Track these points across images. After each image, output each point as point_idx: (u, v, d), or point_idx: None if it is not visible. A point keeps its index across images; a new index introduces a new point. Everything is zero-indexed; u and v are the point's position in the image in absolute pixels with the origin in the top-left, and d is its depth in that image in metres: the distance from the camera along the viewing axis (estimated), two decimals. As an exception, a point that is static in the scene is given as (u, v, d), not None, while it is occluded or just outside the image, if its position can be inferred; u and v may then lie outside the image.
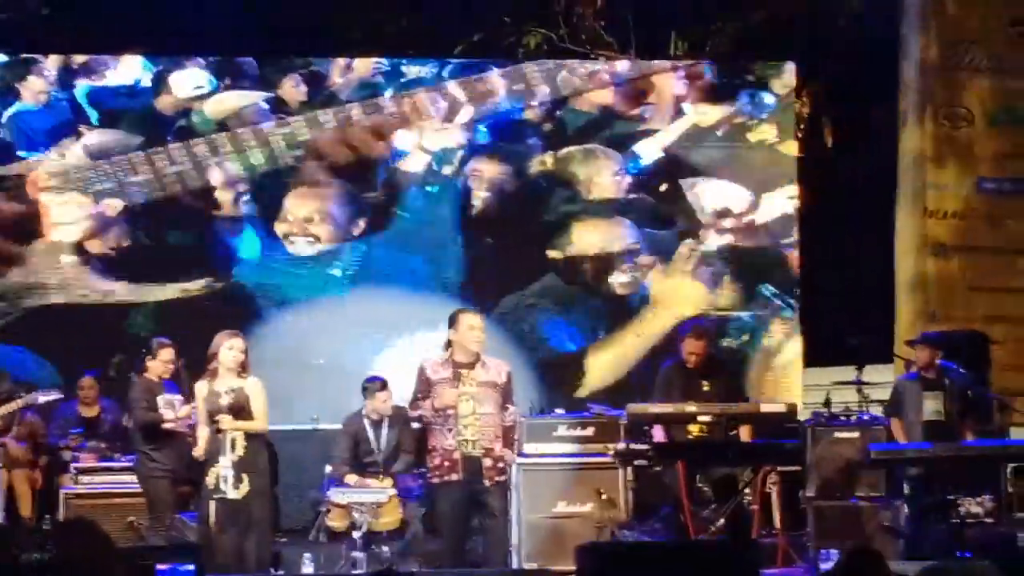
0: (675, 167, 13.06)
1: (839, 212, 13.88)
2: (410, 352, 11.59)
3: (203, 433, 9.68)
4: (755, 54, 13.46)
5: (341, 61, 12.95)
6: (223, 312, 12.17)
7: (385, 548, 10.24)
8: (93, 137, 12.56)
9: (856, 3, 13.82)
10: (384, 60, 12.97)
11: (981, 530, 9.83)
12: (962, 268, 12.93)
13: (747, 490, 10.05)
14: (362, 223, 12.74)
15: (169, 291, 12.49)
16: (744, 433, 10.43)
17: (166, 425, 10.14)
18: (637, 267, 12.94)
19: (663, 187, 13.04)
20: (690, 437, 10.35)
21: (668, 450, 10.14)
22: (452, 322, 9.85)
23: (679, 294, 12.90)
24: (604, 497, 10.54)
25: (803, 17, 13.81)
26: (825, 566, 9.38)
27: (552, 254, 12.91)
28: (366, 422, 10.85)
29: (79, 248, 12.48)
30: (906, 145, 13.10)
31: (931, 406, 10.69)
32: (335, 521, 10.31)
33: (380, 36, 13.58)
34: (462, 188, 12.91)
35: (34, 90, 12.56)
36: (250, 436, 9.61)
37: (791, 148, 13.29)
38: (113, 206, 12.47)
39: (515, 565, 10.28)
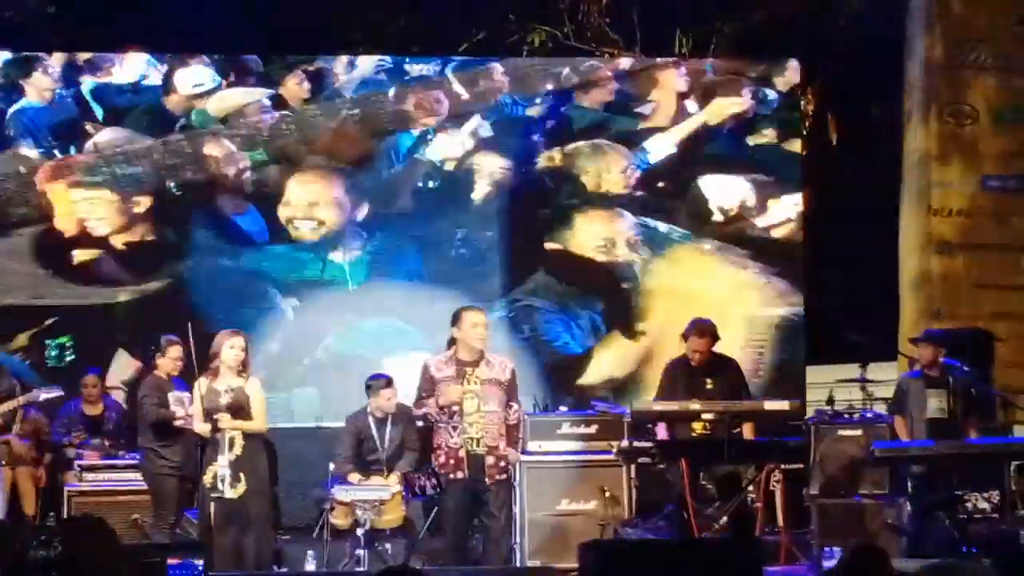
0: (681, 164, 13.05)
1: (844, 210, 13.88)
2: (413, 349, 11.60)
3: (200, 429, 9.74)
4: (759, 52, 13.45)
5: (344, 59, 12.96)
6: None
7: (388, 545, 10.25)
8: (103, 135, 12.57)
9: (858, 2, 13.82)
10: (387, 58, 12.97)
11: (985, 527, 9.83)
12: (967, 266, 12.91)
13: (750, 488, 10.04)
14: (365, 209, 12.72)
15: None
16: (747, 431, 10.43)
17: (177, 422, 10.16)
18: (641, 262, 12.93)
19: (669, 184, 13.03)
20: (694, 435, 10.34)
21: (672, 448, 10.13)
22: (455, 319, 9.86)
23: (683, 290, 12.89)
24: (608, 495, 10.55)
25: (807, 16, 13.83)
26: (828, 564, 9.37)
27: (554, 247, 12.90)
28: (370, 419, 10.84)
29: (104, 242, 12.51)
30: (911, 143, 13.10)
31: (935, 404, 10.69)
32: (338, 519, 10.31)
33: (383, 35, 13.60)
34: (465, 184, 12.89)
35: (39, 87, 12.58)
36: (248, 436, 9.63)
37: (795, 146, 13.30)
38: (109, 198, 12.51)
39: (518, 563, 10.29)
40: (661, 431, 10.48)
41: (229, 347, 9.74)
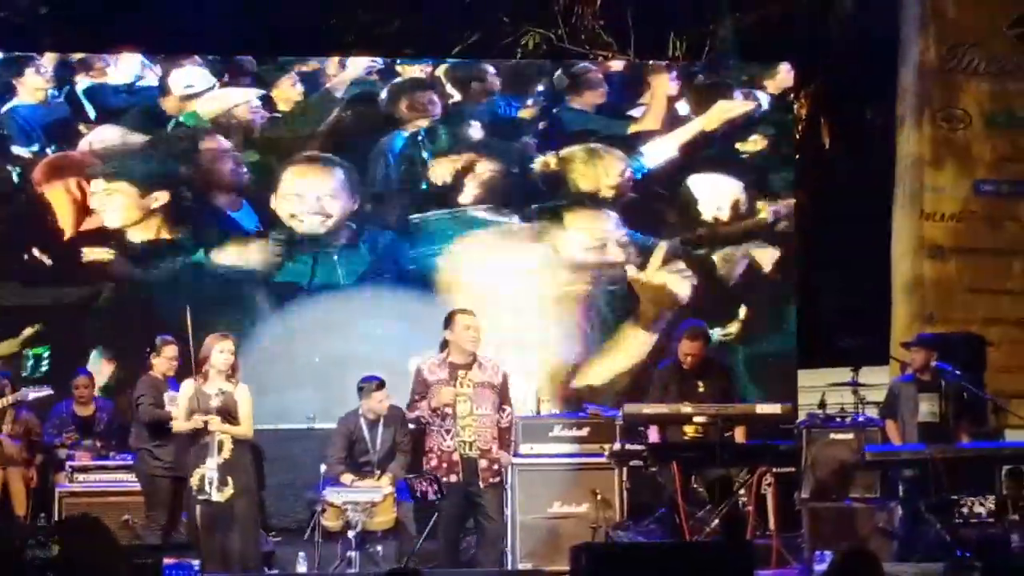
0: (674, 168, 13.04)
1: (836, 213, 13.87)
2: (406, 351, 11.59)
3: (178, 427, 9.76)
4: (752, 55, 13.46)
5: (336, 59, 12.95)
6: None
7: (379, 547, 10.25)
8: (96, 134, 12.55)
9: (851, 6, 13.83)
10: (379, 59, 12.96)
11: (976, 531, 9.84)
12: (959, 270, 12.93)
13: (742, 491, 10.05)
14: (357, 209, 12.71)
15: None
16: (739, 434, 10.44)
17: (172, 422, 10.15)
18: (634, 267, 12.92)
19: (662, 188, 13.02)
20: (685, 438, 10.35)
21: (663, 451, 10.14)
22: (448, 322, 9.87)
23: (675, 294, 12.88)
24: (599, 497, 10.55)
25: (800, 18, 13.83)
26: (820, 568, 9.37)
27: (547, 250, 12.89)
28: (362, 421, 10.84)
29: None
30: (904, 147, 13.10)
31: (927, 408, 10.70)
32: (330, 520, 10.31)
33: (377, 37, 13.58)
34: (457, 186, 12.87)
35: (31, 87, 12.56)
36: (236, 440, 9.62)
37: (788, 149, 13.29)
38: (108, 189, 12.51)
39: (510, 565, 10.29)
40: (653, 434, 10.48)
41: (219, 351, 9.73)
